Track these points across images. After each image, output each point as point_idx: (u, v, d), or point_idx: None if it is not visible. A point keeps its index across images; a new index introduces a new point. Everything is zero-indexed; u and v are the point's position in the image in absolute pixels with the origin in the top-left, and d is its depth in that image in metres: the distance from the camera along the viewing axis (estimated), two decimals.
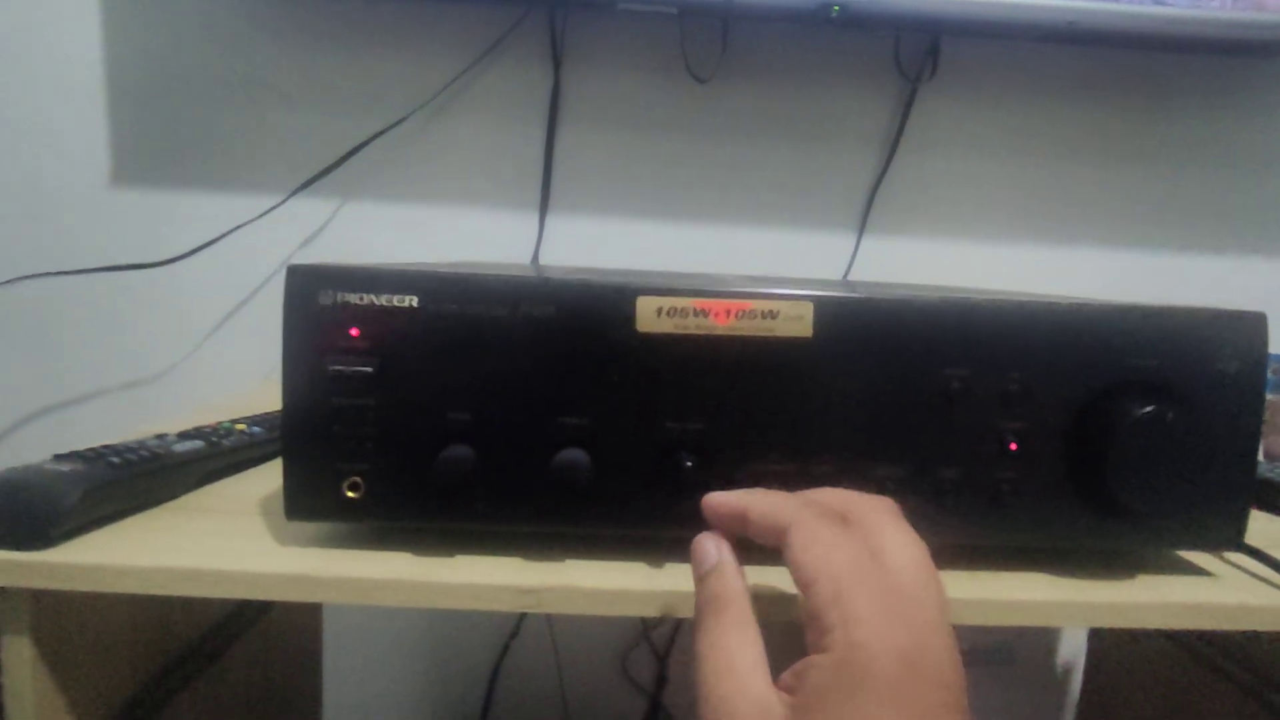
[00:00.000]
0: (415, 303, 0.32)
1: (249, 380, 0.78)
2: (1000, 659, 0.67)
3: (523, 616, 0.85)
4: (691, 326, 0.33)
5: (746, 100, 0.79)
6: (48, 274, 0.75)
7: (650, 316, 0.33)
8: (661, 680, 0.86)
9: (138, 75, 0.77)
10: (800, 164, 0.80)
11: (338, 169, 0.77)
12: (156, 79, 0.77)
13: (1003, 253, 0.82)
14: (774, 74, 0.79)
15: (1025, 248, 0.82)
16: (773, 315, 0.33)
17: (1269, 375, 0.59)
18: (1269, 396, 0.58)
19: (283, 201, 0.77)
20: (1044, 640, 0.67)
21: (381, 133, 0.77)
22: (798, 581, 0.25)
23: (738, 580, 0.27)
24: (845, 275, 0.81)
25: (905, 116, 0.79)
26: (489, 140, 0.79)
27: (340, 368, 0.32)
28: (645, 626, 0.85)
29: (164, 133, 0.77)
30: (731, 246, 0.81)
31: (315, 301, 0.32)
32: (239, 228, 0.76)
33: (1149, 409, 0.33)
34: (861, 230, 0.81)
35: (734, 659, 0.23)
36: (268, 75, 0.77)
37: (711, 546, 0.28)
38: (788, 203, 0.81)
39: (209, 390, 0.79)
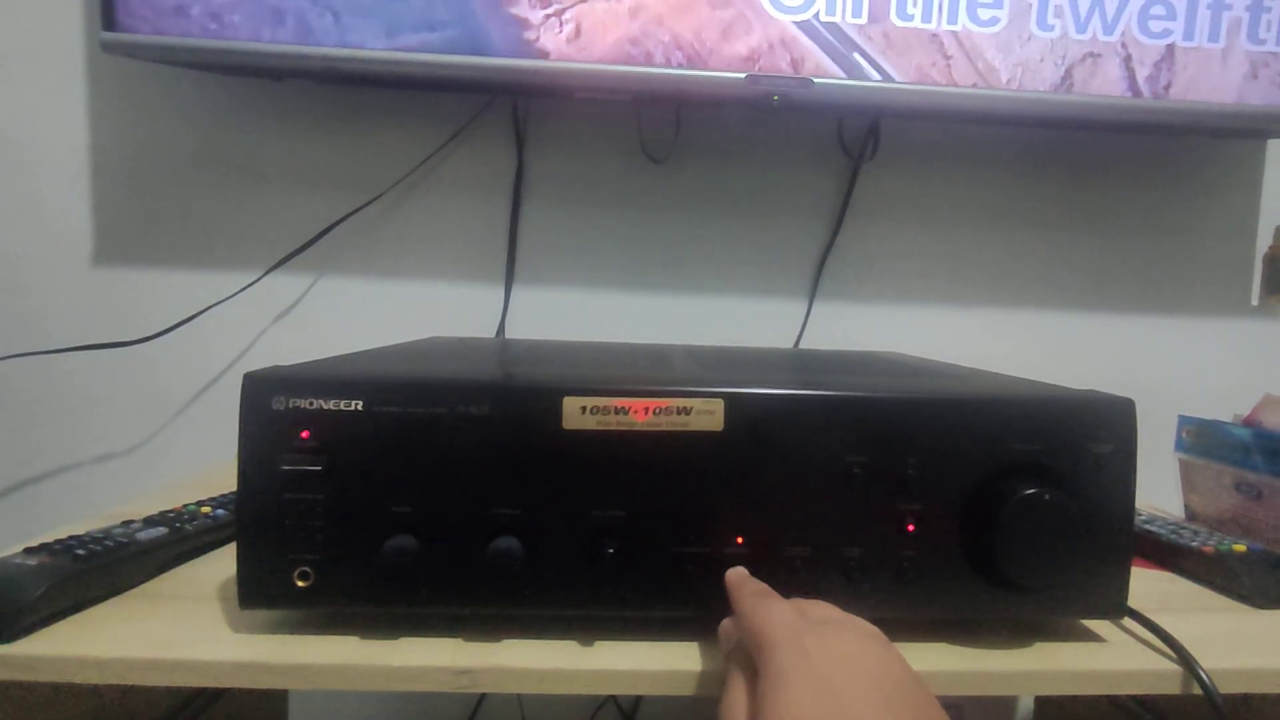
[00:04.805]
0: (360, 406, 0.36)
1: (221, 454, 0.80)
2: None
3: None
4: (613, 423, 0.36)
5: (700, 178, 0.84)
6: (26, 354, 0.77)
7: (575, 414, 0.36)
8: None
9: (121, 158, 0.81)
10: (752, 237, 0.85)
11: (313, 246, 0.81)
12: (140, 161, 0.81)
13: (943, 315, 0.86)
14: (725, 154, 0.84)
15: (963, 310, 0.87)
16: (687, 411, 0.36)
17: (1181, 436, 0.63)
18: (1183, 456, 0.62)
19: (259, 278, 0.81)
20: (994, 701, 0.69)
21: (355, 211, 0.82)
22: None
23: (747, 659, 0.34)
24: (797, 341, 0.85)
25: (850, 191, 0.85)
26: (456, 218, 0.83)
27: (291, 467, 0.35)
28: None
29: (146, 213, 0.81)
30: (688, 315, 0.85)
31: (269, 406, 0.35)
32: (215, 305, 0.80)
33: (1030, 491, 0.36)
34: (812, 298, 0.85)
35: (734, 708, 0.31)
36: (247, 158, 0.82)
37: (730, 630, 0.35)
38: (741, 273, 0.85)
39: (182, 463, 0.81)
